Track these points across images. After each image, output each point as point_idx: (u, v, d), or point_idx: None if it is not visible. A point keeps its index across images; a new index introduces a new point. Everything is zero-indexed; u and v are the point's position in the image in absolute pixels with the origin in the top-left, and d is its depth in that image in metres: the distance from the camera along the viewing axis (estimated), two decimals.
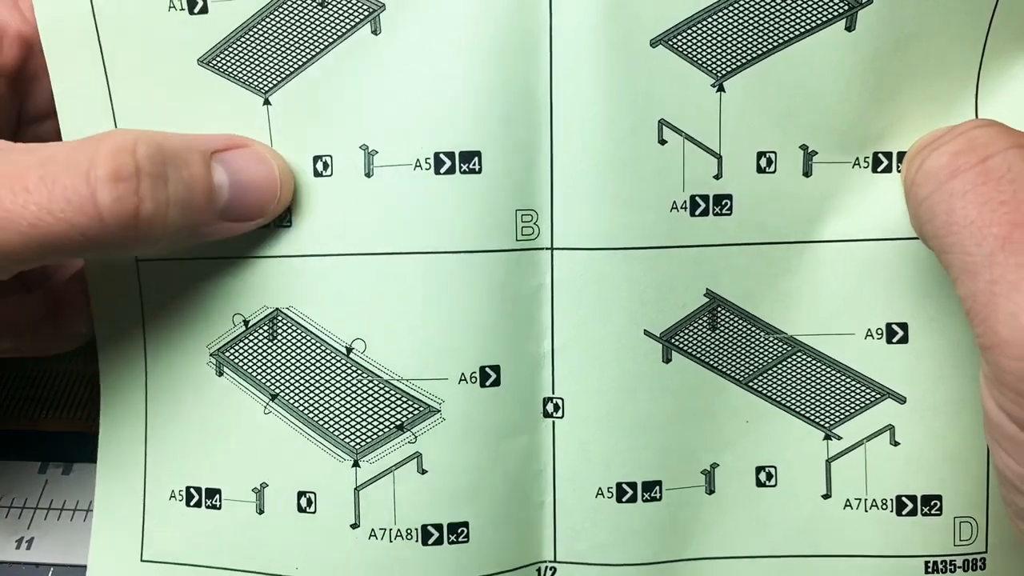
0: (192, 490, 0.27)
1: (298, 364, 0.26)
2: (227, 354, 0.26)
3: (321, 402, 0.26)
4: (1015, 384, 0.20)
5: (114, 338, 0.27)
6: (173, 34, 0.25)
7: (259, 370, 0.26)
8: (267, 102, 0.25)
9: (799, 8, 0.25)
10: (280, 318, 0.26)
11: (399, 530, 0.25)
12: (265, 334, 0.26)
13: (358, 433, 0.26)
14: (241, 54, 0.25)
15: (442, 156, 0.25)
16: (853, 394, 0.26)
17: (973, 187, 0.21)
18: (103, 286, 0.27)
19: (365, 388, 0.26)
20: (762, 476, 0.27)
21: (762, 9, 0.25)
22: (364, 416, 0.26)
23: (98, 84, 0.25)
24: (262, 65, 0.25)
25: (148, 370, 0.27)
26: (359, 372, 0.26)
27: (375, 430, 0.26)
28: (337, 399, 0.26)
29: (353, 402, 0.26)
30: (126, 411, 0.27)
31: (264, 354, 0.26)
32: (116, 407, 0.27)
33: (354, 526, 0.26)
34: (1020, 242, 0.20)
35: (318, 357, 0.26)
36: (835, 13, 0.25)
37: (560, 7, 0.25)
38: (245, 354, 0.26)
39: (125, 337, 0.27)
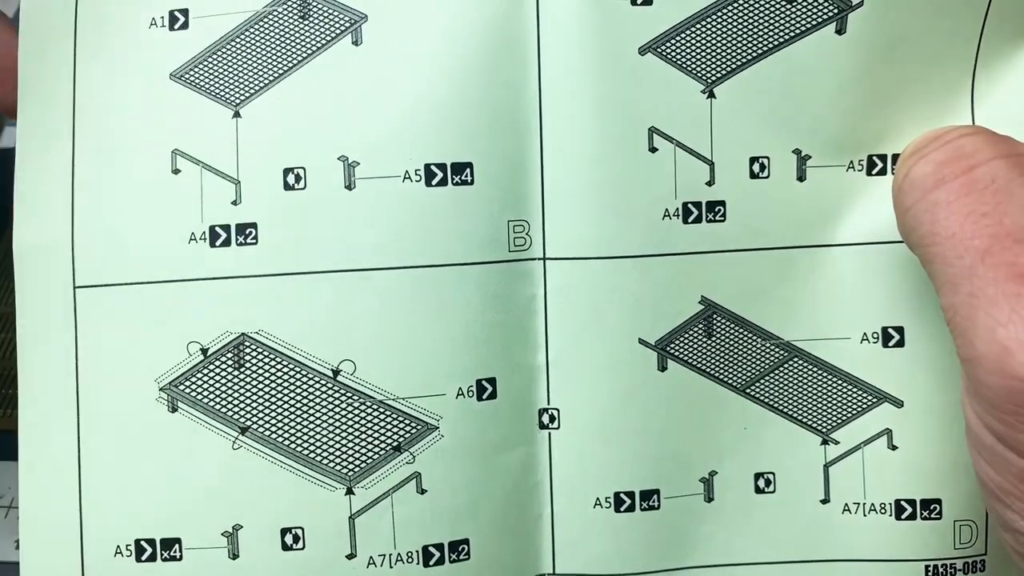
0: (143, 543, 0.25)
1: (273, 392, 0.25)
2: (182, 387, 0.25)
3: (305, 431, 0.25)
4: (991, 397, 0.19)
5: (39, 377, 0.24)
6: (149, 49, 0.24)
7: (224, 402, 0.25)
8: (237, 115, 0.25)
9: (788, 12, 0.25)
10: (247, 343, 0.25)
11: (399, 554, 0.25)
12: (230, 362, 0.25)
13: (351, 459, 0.25)
14: (214, 67, 0.25)
15: (433, 168, 0.24)
16: (850, 399, 0.26)
17: (957, 198, 0.21)
18: (32, 317, 0.24)
19: (357, 411, 0.25)
20: (760, 483, 0.27)
21: (750, 14, 0.25)
22: (357, 440, 0.25)
23: (64, 88, 0.25)
24: (235, 78, 0.25)
25: (80, 411, 0.24)
26: (349, 395, 0.25)
27: (370, 454, 0.25)
28: (324, 425, 0.25)
29: (344, 427, 0.25)
30: (52, 461, 0.24)
31: (229, 384, 0.25)
32: (39, 456, 0.24)
33: (350, 556, 0.25)
34: (999, 256, 0.20)
35: (298, 383, 0.25)
36: (825, 16, 0.25)
37: (547, 16, 0.24)
38: (205, 386, 0.25)
39: (53, 375, 0.24)
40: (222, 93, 0.25)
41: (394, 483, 0.25)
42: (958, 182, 0.21)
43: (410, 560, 0.25)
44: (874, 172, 0.26)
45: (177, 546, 0.25)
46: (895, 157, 0.25)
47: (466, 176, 0.24)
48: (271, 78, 0.25)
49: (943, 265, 0.21)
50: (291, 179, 0.24)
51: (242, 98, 0.25)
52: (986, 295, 0.19)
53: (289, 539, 0.25)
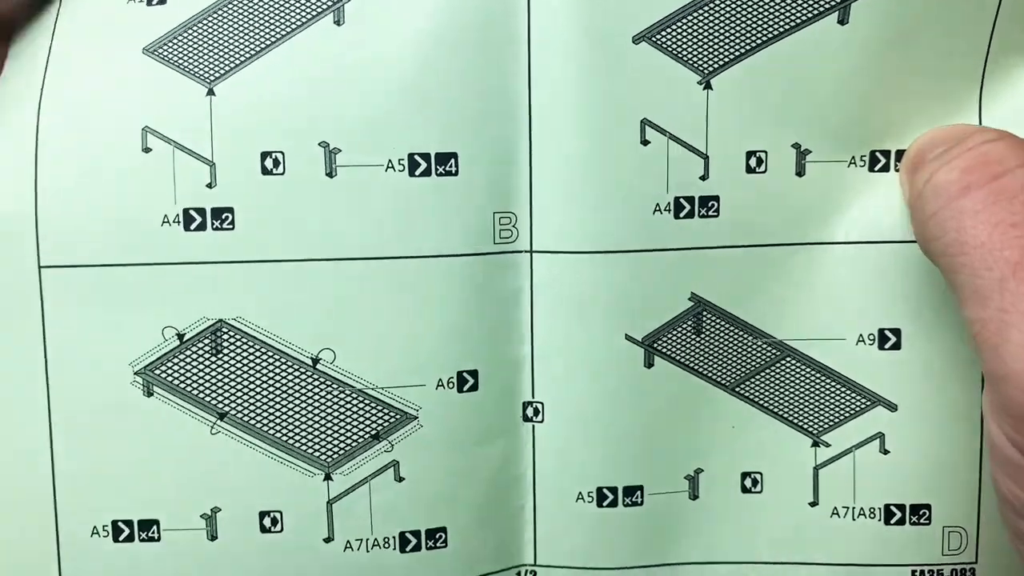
0: (121, 524, 0.25)
1: (252, 379, 0.25)
2: (158, 372, 0.24)
3: (284, 417, 0.25)
4: (1022, 415, 0.19)
5: (4, 357, 0.24)
6: (125, 24, 0.24)
7: (202, 388, 0.25)
8: (211, 92, 0.24)
9: (789, 1, 0.24)
10: (225, 330, 0.24)
11: (376, 539, 0.25)
12: (207, 348, 0.24)
13: (330, 446, 0.25)
14: (189, 42, 0.24)
15: (416, 157, 0.24)
16: (843, 401, 0.26)
17: (984, 207, 0.20)
18: None
19: (336, 399, 0.25)
20: (747, 482, 0.26)
21: (750, 3, 0.24)
22: (336, 428, 0.25)
23: (38, 61, 0.24)
24: (210, 53, 0.24)
25: (51, 397, 0.24)
26: (328, 383, 0.25)
27: (349, 441, 0.25)
28: (304, 413, 0.25)
29: (323, 414, 0.25)
30: (23, 447, 0.24)
31: (207, 370, 0.25)
32: (9, 443, 0.24)
33: (328, 540, 0.25)
34: None
35: (277, 370, 0.25)
36: (826, 6, 0.24)
37: (538, 2, 0.23)
38: (182, 371, 0.24)
39: (19, 360, 0.24)
40: (195, 69, 0.24)
41: (372, 470, 0.25)
42: (985, 190, 0.20)
43: (387, 545, 0.25)
44: (876, 168, 0.25)
45: (155, 527, 0.25)
46: (899, 153, 0.25)
47: (450, 167, 0.24)
48: (247, 55, 0.24)
49: (971, 276, 0.20)
50: (269, 163, 0.24)
51: (216, 75, 0.24)
52: (1018, 310, 0.19)
53: (267, 522, 0.25)
